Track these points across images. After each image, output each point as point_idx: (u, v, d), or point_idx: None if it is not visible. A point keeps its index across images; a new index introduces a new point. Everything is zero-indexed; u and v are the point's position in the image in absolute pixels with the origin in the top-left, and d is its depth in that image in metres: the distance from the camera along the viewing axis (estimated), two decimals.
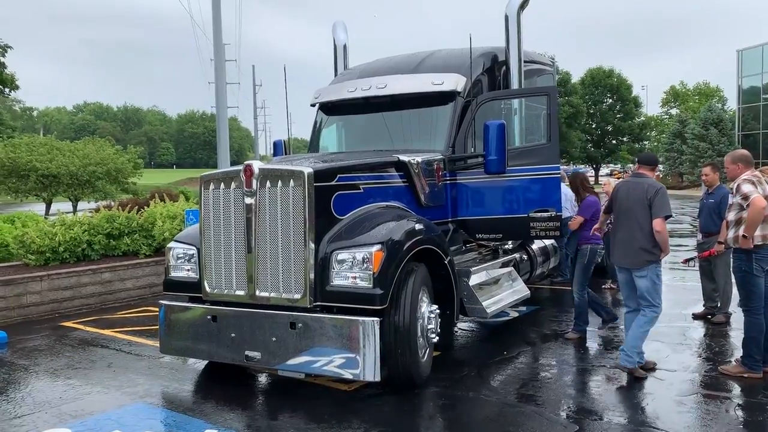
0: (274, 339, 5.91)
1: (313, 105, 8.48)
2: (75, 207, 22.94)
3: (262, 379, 6.66)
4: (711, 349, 7.31)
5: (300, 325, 5.79)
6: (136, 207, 12.71)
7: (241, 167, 6.11)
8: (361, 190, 6.32)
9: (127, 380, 6.59)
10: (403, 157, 6.81)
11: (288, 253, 5.90)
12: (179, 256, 6.72)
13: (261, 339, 5.99)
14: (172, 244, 6.88)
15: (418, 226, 6.27)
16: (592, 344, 7.67)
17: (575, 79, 56.61)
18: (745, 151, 6.52)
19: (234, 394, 6.11)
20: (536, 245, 9.73)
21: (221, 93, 21.09)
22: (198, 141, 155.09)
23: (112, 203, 15.12)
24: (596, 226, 7.10)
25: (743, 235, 6.01)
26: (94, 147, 22.57)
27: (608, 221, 6.91)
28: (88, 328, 9.03)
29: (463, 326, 8.58)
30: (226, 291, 6.25)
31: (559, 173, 7.31)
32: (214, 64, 20.92)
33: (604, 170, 75.72)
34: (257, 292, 6.06)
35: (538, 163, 7.38)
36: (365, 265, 5.70)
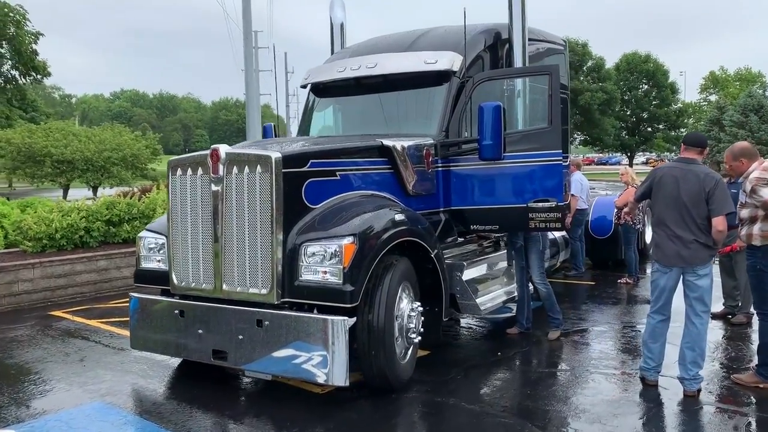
0: (240, 337, 5.49)
1: (303, 86, 7.99)
2: (95, 193, 22.91)
3: (237, 378, 6.24)
4: (727, 354, 6.68)
5: (267, 322, 5.36)
6: (139, 194, 12.42)
7: (208, 151, 5.68)
8: (338, 177, 5.82)
9: (94, 376, 6.24)
10: (387, 142, 6.29)
11: (255, 245, 5.45)
12: (150, 246, 6.34)
13: (228, 337, 5.57)
14: (143, 233, 6.51)
15: (398, 217, 5.76)
16: (595, 346, 7.08)
17: (609, 64, 55.05)
18: (745, 144, 5.88)
19: (199, 395, 5.71)
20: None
21: (251, 80, 20.83)
22: (232, 128, 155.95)
23: (135, 189, 14.83)
24: (626, 210, 6.66)
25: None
26: (111, 133, 22.48)
27: (639, 210, 6.38)
28: (76, 318, 8.75)
29: (462, 322, 8.05)
30: (193, 284, 5.85)
31: (561, 160, 6.70)
32: (243, 50, 20.65)
33: (639, 158, 73.88)
34: (224, 287, 5.64)
35: (539, 148, 6.78)
36: (335, 259, 5.23)
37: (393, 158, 6.29)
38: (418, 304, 5.91)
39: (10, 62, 41.53)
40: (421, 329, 5.93)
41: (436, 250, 6.21)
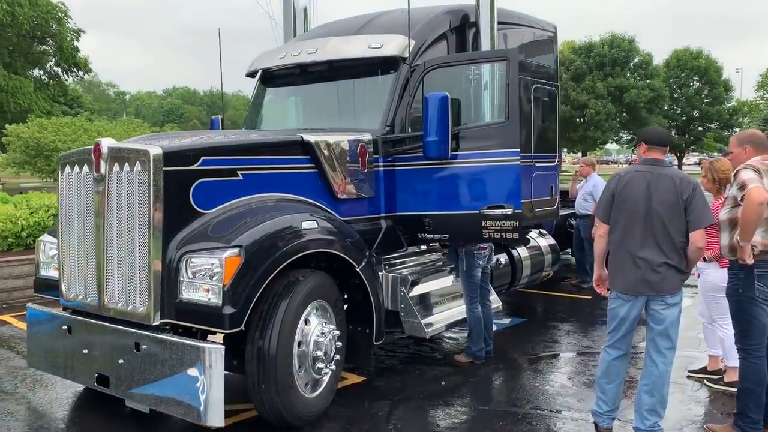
0: (121, 361, 4.74)
1: (248, 75, 7.20)
2: None
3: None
4: (706, 395, 5.60)
5: (144, 346, 4.60)
6: None
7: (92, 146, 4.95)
8: (240, 177, 5.00)
9: None
10: (308, 137, 5.44)
11: (133, 256, 4.69)
12: (50, 252, 5.67)
13: (110, 360, 4.84)
14: (43, 237, 5.85)
15: (307, 225, 4.91)
16: (558, 377, 6.09)
17: (658, 60, 52.68)
18: (756, 132, 4.79)
19: (74, 422, 4.98)
20: (527, 247, 8.12)
21: None
22: None
23: None
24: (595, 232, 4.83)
25: (738, 242, 4.34)
26: (126, 128, 22.18)
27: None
28: (18, 324, 8.17)
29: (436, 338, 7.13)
30: (79, 297, 5.14)
31: (517, 160, 5.72)
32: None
33: (691, 159, 70.85)
34: (106, 302, 4.90)
35: (493, 146, 5.82)
36: (215, 275, 4.41)
37: (316, 156, 5.44)
38: (332, 327, 5.06)
39: (53, 59, 42.18)
40: (337, 357, 5.08)
41: (363, 263, 5.35)
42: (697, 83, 55.25)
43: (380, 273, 6.15)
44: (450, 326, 6.50)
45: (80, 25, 40.33)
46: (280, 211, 4.96)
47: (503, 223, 5.78)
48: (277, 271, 4.61)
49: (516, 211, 5.73)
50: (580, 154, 56.84)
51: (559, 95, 8.19)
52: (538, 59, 7.89)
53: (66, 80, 44.61)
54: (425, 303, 6.34)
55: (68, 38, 40.17)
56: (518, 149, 5.72)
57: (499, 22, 7.03)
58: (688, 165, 60.28)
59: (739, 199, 4.36)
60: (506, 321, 8.02)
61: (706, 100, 55.05)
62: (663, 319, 4.37)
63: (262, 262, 4.52)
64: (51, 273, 5.63)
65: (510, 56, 5.74)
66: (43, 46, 40.58)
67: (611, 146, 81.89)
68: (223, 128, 7.65)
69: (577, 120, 49.11)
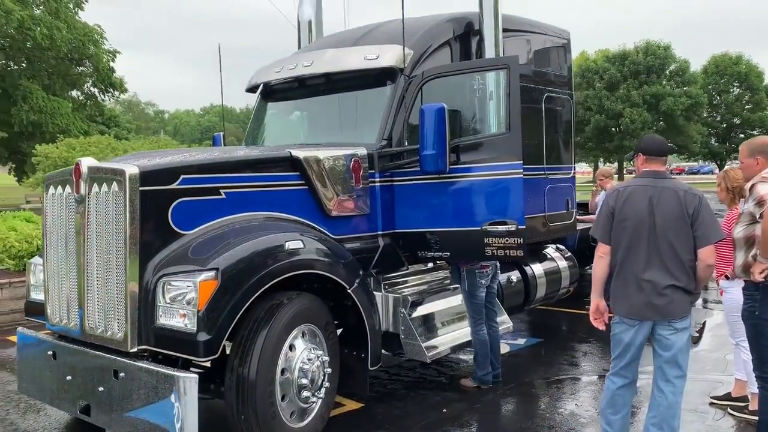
0: (101, 389, 4.56)
1: (247, 90, 7.03)
2: None
3: None
4: (729, 424, 5.16)
5: (122, 374, 4.41)
6: None
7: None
8: (223, 196, 4.79)
9: None
10: (297, 153, 5.22)
11: (110, 279, 4.52)
12: (39, 274, 5.53)
13: (91, 388, 4.66)
14: (34, 260, 5.75)
15: (292, 245, 4.67)
16: (568, 404, 5.71)
17: (695, 67, 51.47)
18: None
19: None
20: (542, 264, 7.75)
21: None
22: None
23: None
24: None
25: (755, 259, 3.96)
26: (153, 146, 22.34)
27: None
28: None
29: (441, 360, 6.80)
30: (63, 322, 5.00)
31: (520, 173, 5.40)
32: None
33: (734, 166, 68.91)
34: (87, 327, 4.74)
35: (494, 159, 5.51)
36: (190, 299, 4.21)
37: (306, 172, 5.21)
38: (321, 352, 4.80)
39: (90, 80, 43.11)
40: (326, 384, 4.82)
41: (355, 284, 5.09)
42: (738, 89, 53.87)
43: (379, 293, 5.90)
44: (455, 349, 6.18)
45: (121, 47, 41.23)
46: (264, 231, 4.74)
47: (506, 240, 5.45)
48: (257, 294, 4.39)
49: (519, 227, 5.40)
50: (616, 165, 55.78)
51: (574, 104, 7.83)
52: (551, 67, 7.56)
53: (103, 100, 45.51)
54: (428, 324, 6.04)
55: (104, 59, 41.02)
56: (520, 161, 5.40)
57: (507, 30, 6.76)
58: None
59: (757, 216, 3.98)
60: (521, 341, 7.65)
61: (747, 107, 53.62)
62: (671, 345, 4.00)
63: (240, 286, 4.30)
64: (40, 296, 5.49)
65: (510, 64, 5.44)
66: (81, 68, 41.47)
67: None
68: (225, 144, 7.48)
69: (613, 129, 48.19)
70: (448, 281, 6.55)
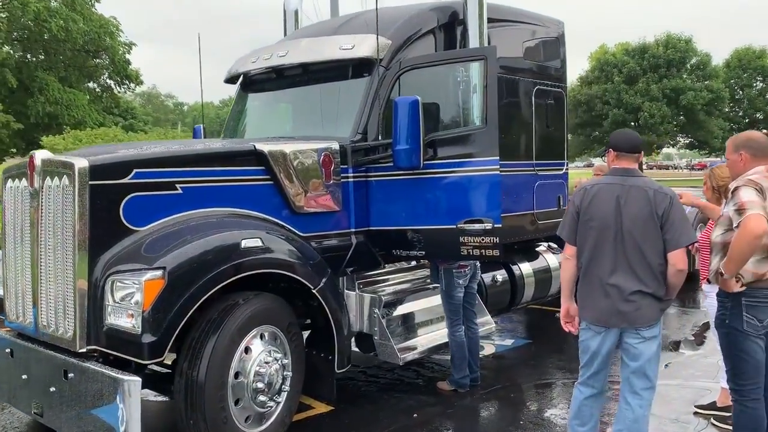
0: (52, 389, 4.42)
1: (225, 81, 6.84)
2: None
3: None
4: None
5: (71, 374, 4.27)
6: None
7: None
8: (179, 191, 4.60)
9: None
10: (262, 146, 5.02)
11: (61, 277, 4.37)
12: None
13: (43, 388, 4.52)
14: None
15: (249, 243, 4.48)
16: (548, 409, 5.47)
17: (717, 60, 50.42)
18: (753, 134, 4.09)
19: None
20: (532, 263, 7.48)
21: None
22: None
23: None
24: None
25: (721, 271, 3.69)
26: (160, 137, 22.26)
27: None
28: None
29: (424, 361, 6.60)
30: (20, 319, 4.87)
31: (497, 169, 5.15)
32: None
33: (720, 163, 67.54)
34: (41, 324, 4.60)
35: (470, 155, 5.28)
36: (135, 299, 4.04)
37: (270, 167, 5.01)
38: (280, 355, 4.62)
39: (106, 72, 43.34)
40: (285, 388, 4.64)
41: (321, 284, 4.89)
42: (761, 84, 52.74)
43: (353, 293, 5.71)
44: (433, 350, 5.97)
45: (140, 39, 41.26)
46: (220, 228, 4.55)
47: (482, 239, 5.21)
48: (209, 295, 4.21)
49: (496, 225, 5.16)
50: None
51: (567, 98, 7.54)
52: (543, 59, 7.28)
53: (118, 92, 45.74)
54: (405, 325, 5.85)
55: (120, 51, 41.22)
56: (497, 157, 5.15)
57: (496, 19, 6.51)
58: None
59: (734, 225, 3.69)
60: (509, 342, 7.42)
61: None
62: (639, 354, 3.75)
63: (189, 286, 4.12)
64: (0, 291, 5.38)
65: (487, 54, 5.19)
66: (97, 60, 41.68)
67: (671, 150, 79.19)
68: (205, 137, 7.31)
69: (632, 124, 47.44)
70: (427, 281, 6.33)
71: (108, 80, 43.95)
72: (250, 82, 6.66)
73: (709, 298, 4.86)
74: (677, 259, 3.65)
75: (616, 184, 3.79)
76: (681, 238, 3.64)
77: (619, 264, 3.70)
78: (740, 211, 3.62)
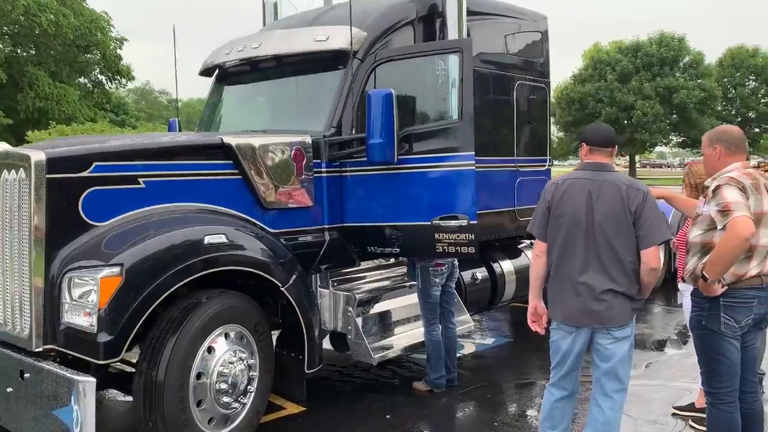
0: (9, 390, 4.27)
1: (200, 74, 6.68)
2: None
3: None
4: None
5: (27, 375, 4.12)
6: None
7: None
8: (142, 185, 4.45)
9: None
10: (229, 139, 4.87)
11: (17, 273, 4.22)
12: None
13: (2, 388, 4.37)
14: None
15: (212, 239, 4.34)
16: (529, 411, 5.35)
17: (710, 59, 50.39)
18: (729, 128, 3.97)
19: None
20: (514, 261, 7.35)
21: None
22: None
23: None
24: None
25: (703, 275, 3.57)
26: (149, 133, 22.05)
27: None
28: None
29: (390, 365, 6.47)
30: None
31: (472, 165, 5.03)
32: None
33: (751, 161, 67.73)
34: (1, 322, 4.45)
35: (445, 150, 5.15)
36: (92, 297, 3.90)
37: (239, 161, 4.86)
38: (246, 355, 4.48)
39: (97, 67, 43.06)
40: (251, 388, 4.50)
41: (290, 282, 4.75)
42: (754, 82, 52.80)
43: (327, 290, 5.58)
44: (410, 350, 5.85)
45: (133, 35, 40.93)
46: (184, 224, 4.40)
47: (458, 236, 5.09)
48: (169, 292, 4.06)
49: (471, 222, 5.03)
50: (628, 158, 55.00)
51: (550, 93, 7.42)
52: (525, 53, 7.16)
53: (110, 88, 45.46)
54: (381, 324, 5.73)
55: (111, 46, 40.94)
56: (472, 152, 5.03)
57: (477, 12, 6.39)
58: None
59: (719, 227, 3.55)
60: (489, 341, 7.31)
61: (763, 100, 52.58)
62: (610, 355, 3.64)
63: (148, 283, 3.98)
64: None
65: (463, 47, 5.06)
66: (88, 55, 41.38)
67: (664, 149, 79.25)
68: (180, 131, 7.16)
69: (624, 122, 47.41)
70: (407, 278, 6.20)
71: (99, 75, 43.70)
72: (225, 75, 6.51)
73: (686, 298, 4.75)
74: (650, 257, 3.53)
75: (587, 179, 3.67)
76: (654, 235, 3.52)
77: (590, 262, 3.58)
78: (725, 212, 3.49)
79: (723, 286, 3.56)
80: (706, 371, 3.74)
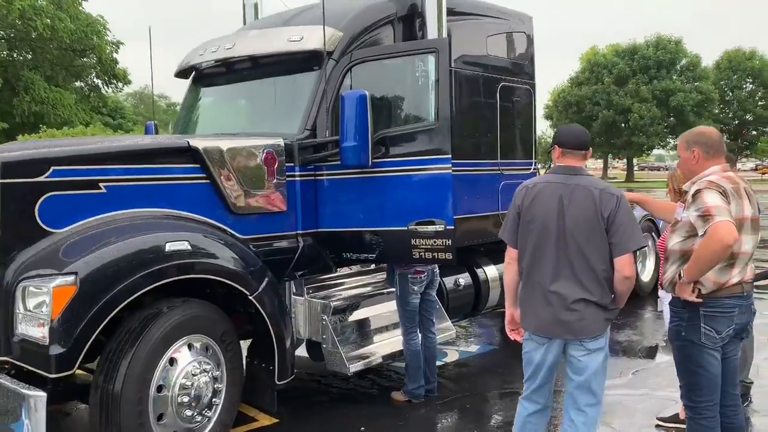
0: None
1: (176, 75, 6.53)
2: None
3: None
4: None
5: None
6: None
7: None
8: (103, 190, 4.29)
9: None
10: (196, 143, 4.71)
11: None
12: None
13: None
14: None
15: (173, 246, 4.17)
16: (508, 424, 5.18)
17: (707, 62, 50.36)
18: (706, 130, 3.79)
19: None
20: (498, 266, 7.18)
21: None
22: None
23: None
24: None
25: (680, 276, 3.42)
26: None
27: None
28: None
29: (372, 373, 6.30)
30: None
31: (448, 168, 4.87)
32: None
33: (747, 164, 67.71)
34: None
35: (421, 153, 4.99)
36: (44, 307, 3.73)
37: (206, 164, 4.70)
38: (210, 367, 4.32)
39: (93, 71, 42.93)
40: (216, 401, 4.33)
41: (259, 290, 4.58)
42: (751, 85, 52.78)
43: (302, 298, 5.42)
44: (387, 359, 5.69)
45: (130, 38, 40.81)
46: (145, 230, 4.24)
47: (434, 242, 4.93)
48: (126, 302, 3.90)
49: (448, 227, 4.88)
50: (625, 161, 54.90)
51: (536, 95, 7.26)
52: (510, 54, 7.00)
53: (106, 92, 45.34)
54: (357, 333, 5.58)
55: (107, 50, 40.82)
56: (449, 155, 4.87)
57: (458, 12, 6.25)
58: (744, 171, 57.64)
59: (700, 233, 3.38)
60: (473, 348, 7.14)
61: (760, 103, 52.55)
62: (583, 368, 3.47)
63: (104, 293, 3.81)
64: None
65: (439, 47, 4.90)
66: (84, 59, 41.25)
67: (662, 152, 79.23)
68: (157, 134, 7.01)
69: (621, 125, 47.36)
70: (386, 285, 6.04)
71: (95, 79, 43.57)
72: (201, 76, 6.36)
73: (665, 305, 4.59)
74: (623, 265, 3.37)
75: (559, 183, 3.51)
76: (628, 242, 3.36)
77: (562, 269, 3.42)
78: (706, 217, 3.32)
79: (699, 296, 3.40)
80: (686, 384, 3.58)
